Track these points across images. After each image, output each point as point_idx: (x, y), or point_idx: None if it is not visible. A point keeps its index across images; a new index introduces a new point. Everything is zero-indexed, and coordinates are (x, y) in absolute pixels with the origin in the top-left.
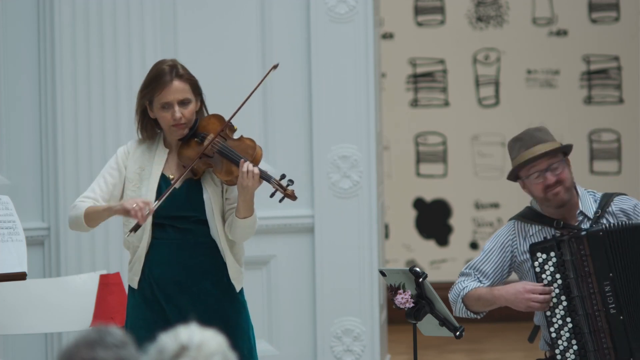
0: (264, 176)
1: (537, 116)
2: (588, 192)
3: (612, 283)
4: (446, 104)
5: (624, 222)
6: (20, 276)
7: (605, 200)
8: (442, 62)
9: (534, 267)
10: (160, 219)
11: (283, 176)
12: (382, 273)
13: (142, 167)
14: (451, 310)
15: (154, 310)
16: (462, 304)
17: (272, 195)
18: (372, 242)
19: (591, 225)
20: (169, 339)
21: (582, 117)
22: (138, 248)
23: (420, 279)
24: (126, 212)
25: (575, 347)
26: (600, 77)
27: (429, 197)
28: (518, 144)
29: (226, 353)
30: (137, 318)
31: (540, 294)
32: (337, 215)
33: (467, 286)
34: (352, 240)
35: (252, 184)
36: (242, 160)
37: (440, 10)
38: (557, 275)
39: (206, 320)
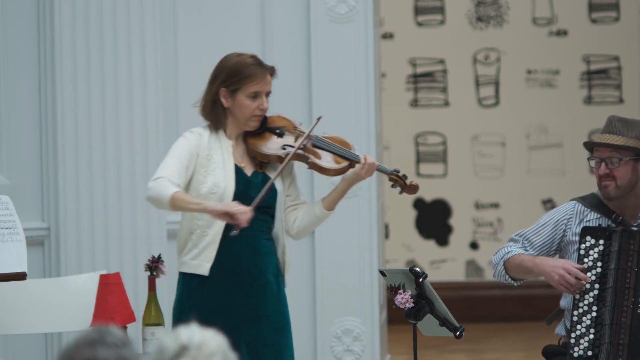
0: (381, 168)
1: (537, 116)
2: None
3: None
4: (446, 104)
5: None
6: (20, 276)
7: None
8: (442, 62)
9: (579, 249)
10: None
11: (397, 170)
12: (382, 273)
13: (210, 155)
14: (451, 310)
15: (223, 301)
16: (503, 267)
17: (393, 186)
18: (372, 242)
19: None
20: (169, 339)
21: (582, 117)
22: (207, 235)
23: (420, 279)
24: (225, 216)
25: (591, 336)
26: (600, 77)
27: (429, 197)
28: (604, 124)
29: (226, 353)
30: (206, 311)
31: (577, 278)
32: (337, 216)
33: (512, 251)
34: (352, 240)
35: (368, 175)
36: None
37: (440, 10)
38: (599, 264)
39: (270, 313)
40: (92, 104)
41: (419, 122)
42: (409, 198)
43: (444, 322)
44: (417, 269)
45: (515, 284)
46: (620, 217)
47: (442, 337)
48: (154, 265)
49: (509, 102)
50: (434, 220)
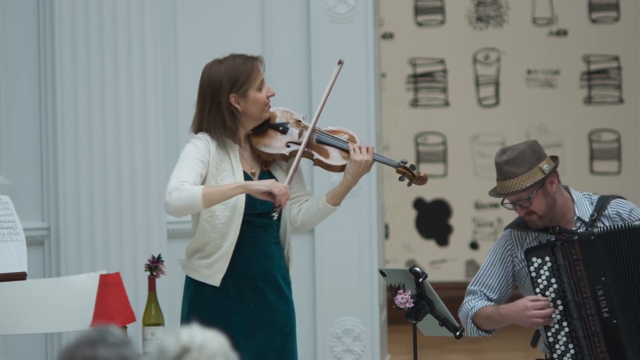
0: (387, 161)
1: (537, 116)
2: (584, 195)
3: (605, 287)
4: (446, 104)
5: (615, 225)
6: (20, 276)
7: (602, 203)
8: (442, 62)
9: (530, 273)
10: (245, 216)
11: (404, 162)
12: (382, 273)
13: (219, 163)
14: (451, 310)
15: (236, 308)
16: (472, 324)
17: (401, 179)
18: (372, 242)
19: (586, 229)
20: (170, 340)
21: (582, 117)
22: (221, 247)
23: (420, 279)
24: (267, 195)
25: (572, 352)
26: (600, 77)
27: (429, 197)
28: (496, 172)
29: (228, 353)
30: (218, 318)
31: (542, 308)
32: (337, 215)
33: (474, 305)
34: (352, 240)
35: (368, 158)
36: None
37: (440, 10)
38: (553, 280)
39: (280, 317)
40: (92, 104)
41: (419, 122)
42: (409, 198)
43: (444, 322)
44: (417, 269)
45: (491, 335)
46: (557, 227)
47: (442, 337)
48: (154, 265)
49: (509, 102)
50: (434, 220)
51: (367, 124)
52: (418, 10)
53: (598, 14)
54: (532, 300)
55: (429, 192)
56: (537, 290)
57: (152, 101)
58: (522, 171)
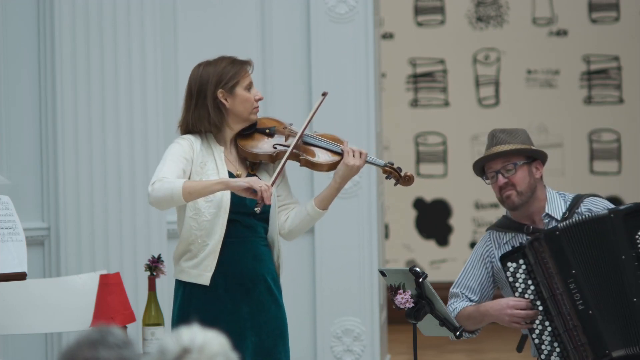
0: (374, 161)
1: (537, 116)
2: (560, 194)
3: (575, 280)
4: (446, 104)
5: (578, 218)
6: (20, 276)
7: (575, 202)
8: (442, 62)
9: (508, 278)
10: (232, 214)
11: (391, 163)
12: (382, 273)
13: (203, 163)
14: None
15: (227, 309)
16: None
17: (387, 178)
18: (372, 242)
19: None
20: (170, 341)
21: (582, 117)
22: (207, 245)
23: (420, 279)
24: (249, 191)
25: (557, 350)
26: (600, 77)
27: (429, 197)
28: (488, 141)
29: (228, 354)
30: (208, 319)
31: (524, 309)
32: (337, 216)
33: (457, 307)
34: (352, 240)
35: (360, 163)
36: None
37: (440, 10)
38: (529, 282)
39: (270, 320)
40: (92, 104)
41: (419, 122)
42: (409, 198)
43: (444, 322)
44: (417, 269)
45: (474, 335)
46: (532, 227)
47: (442, 337)
48: (154, 265)
49: (509, 102)
50: (434, 220)
51: (367, 124)
52: (418, 10)
53: (598, 14)
54: (514, 300)
55: (429, 192)
56: (516, 294)
57: (152, 101)
58: (514, 141)
